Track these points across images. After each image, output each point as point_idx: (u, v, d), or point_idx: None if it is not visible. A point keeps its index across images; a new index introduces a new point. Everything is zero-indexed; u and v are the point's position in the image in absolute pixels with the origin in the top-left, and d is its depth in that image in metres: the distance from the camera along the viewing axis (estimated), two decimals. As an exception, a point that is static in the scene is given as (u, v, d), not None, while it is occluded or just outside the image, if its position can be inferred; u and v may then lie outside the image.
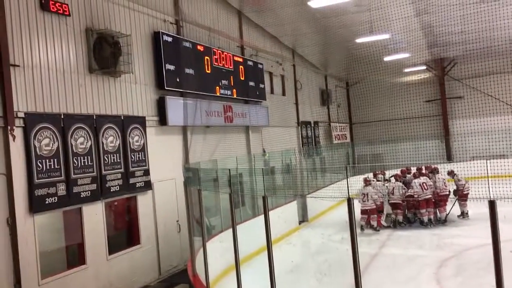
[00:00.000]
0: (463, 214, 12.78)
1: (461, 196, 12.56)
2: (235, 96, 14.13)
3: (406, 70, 23.23)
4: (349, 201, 3.73)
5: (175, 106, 11.45)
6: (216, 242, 9.18)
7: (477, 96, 22.76)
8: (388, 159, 21.04)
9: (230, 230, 9.92)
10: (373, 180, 13.26)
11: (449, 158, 22.61)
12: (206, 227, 9.30)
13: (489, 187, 3.04)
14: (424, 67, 23.38)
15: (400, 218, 12.58)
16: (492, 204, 2.65)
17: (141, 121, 10.52)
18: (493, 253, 2.73)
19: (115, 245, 9.68)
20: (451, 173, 13.23)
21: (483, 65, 21.76)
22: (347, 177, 4.09)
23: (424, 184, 12.36)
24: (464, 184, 12.62)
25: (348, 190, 3.98)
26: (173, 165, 11.29)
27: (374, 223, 12.41)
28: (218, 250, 9.18)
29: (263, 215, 11.64)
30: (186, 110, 11.63)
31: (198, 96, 12.42)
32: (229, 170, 5.43)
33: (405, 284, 8.15)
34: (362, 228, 12.31)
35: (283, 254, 10.59)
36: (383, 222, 12.57)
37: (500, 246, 2.73)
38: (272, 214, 11.61)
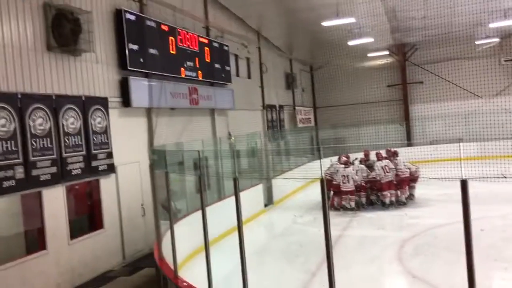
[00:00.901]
0: (410, 196, 13.19)
1: (413, 179, 13.02)
2: (200, 78, 13.89)
3: (370, 55, 23.53)
4: (322, 182, 3.70)
5: (139, 87, 11.15)
6: (183, 225, 9.06)
7: (436, 81, 23.37)
8: (350, 143, 21.36)
9: (196, 213, 9.84)
10: (340, 164, 13.43)
11: (409, 141, 23.15)
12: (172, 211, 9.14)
13: (461, 168, 3.06)
14: (387, 52, 23.74)
15: (364, 200, 12.81)
16: (464, 184, 2.66)
17: (103, 102, 10.18)
18: (464, 232, 2.74)
19: (77, 229, 9.40)
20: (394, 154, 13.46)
21: (442, 51, 22.33)
22: (320, 158, 4.05)
23: (386, 167, 12.62)
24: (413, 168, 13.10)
25: (321, 170, 3.94)
26: (138, 148, 11.03)
27: (353, 204, 12.64)
28: (184, 233, 9.06)
29: (229, 198, 11.64)
30: (151, 91, 11.35)
31: (162, 78, 12.13)
32: (199, 152, 5.31)
33: (368, 264, 8.29)
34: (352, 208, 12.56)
35: (250, 237, 10.57)
36: (346, 204, 12.75)
37: (471, 226, 2.75)
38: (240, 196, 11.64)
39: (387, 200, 12.54)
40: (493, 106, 21.11)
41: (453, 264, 7.91)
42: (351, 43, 19.42)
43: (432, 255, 8.50)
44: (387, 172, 12.50)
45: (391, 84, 24.76)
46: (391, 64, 24.51)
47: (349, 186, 12.53)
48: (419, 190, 13.39)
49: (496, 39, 21.27)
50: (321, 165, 3.81)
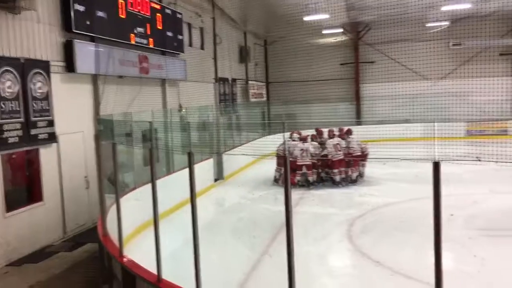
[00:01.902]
0: (361, 174, 13.39)
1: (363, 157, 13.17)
2: (151, 46, 13.26)
3: (324, 31, 23.43)
4: (285, 159, 3.46)
5: (85, 52, 10.44)
6: (129, 199, 8.67)
7: (387, 62, 23.65)
8: (302, 120, 21.36)
9: (144, 187, 9.44)
10: (289, 140, 13.33)
11: (359, 121, 23.49)
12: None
13: (435, 149, 2.91)
14: (341, 30, 23.72)
15: (314, 177, 12.82)
16: (436, 165, 2.50)
17: (44, 66, 9.46)
18: (433, 214, 2.60)
19: (13, 201, 8.79)
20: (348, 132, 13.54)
21: (394, 32, 22.51)
22: (283, 132, 3.83)
23: (338, 145, 12.66)
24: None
25: (286, 149, 3.71)
26: (82, 117, 10.41)
27: (310, 178, 12.60)
28: (131, 208, 8.68)
29: (178, 173, 11.28)
30: (98, 57, 10.67)
31: (111, 43, 11.44)
32: (150, 123, 4.94)
33: (318, 242, 8.28)
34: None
35: (199, 212, 10.31)
36: (302, 180, 12.69)
37: (441, 209, 2.61)
38: (186, 171, 11.29)
39: (337, 178, 12.61)
40: (440, 88, 21.70)
41: (401, 243, 8.05)
42: (306, 18, 19.20)
43: (381, 234, 8.59)
44: (339, 150, 12.54)
45: (343, 63, 24.88)
46: (345, 43, 24.57)
47: (307, 160, 12.48)
48: (367, 168, 13.55)
49: (446, 23, 21.73)
50: (284, 140, 3.57)
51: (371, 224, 9.29)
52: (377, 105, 23.00)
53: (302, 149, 12.55)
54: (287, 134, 13.71)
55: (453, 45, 22.68)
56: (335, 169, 12.60)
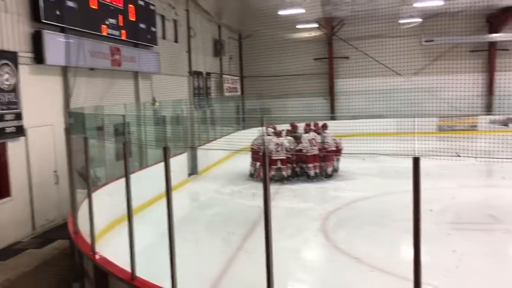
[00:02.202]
0: (336, 169, 13.46)
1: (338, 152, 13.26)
2: (124, 38, 12.96)
3: (299, 26, 23.41)
4: (264, 155, 3.39)
5: (55, 43, 10.11)
6: (101, 195, 8.46)
7: (361, 58, 23.84)
8: (277, 114, 21.34)
9: (116, 182, 9.25)
10: (269, 134, 13.29)
11: (333, 116, 23.63)
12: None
13: (415, 144, 2.89)
14: (315, 25, 23.74)
15: (289, 172, 12.81)
16: (416, 161, 2.47)
17: (12, 57, 9.12)
18: (413, 210, 2.57)
19: (-21, 197, 8.48)
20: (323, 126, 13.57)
21: (368, 28, 22.66)
22: (262, 126, 3.74)
23: (313, 140, 12.67)
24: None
25: (264, 144, 3.64)
26: (51, 110, 10.10)
27: (285, 173, 12.58)
28: (103, 203, 8.47)
29: (151, 167, 11.09)
30: (68, 48, 10.35)
31: (81, 34, 11.11)
32: (124, 116, 4.79)
33: (293, 237, 8.25)
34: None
35: (173, 207, 10.19)
36: (277, 175, 12.64)
37: (420, 205, 2.59)
38: (160, 166, 11.11)
39: (311, 173, 12.64)
40: (413, 84, 22.00)
41: (376, 237, 8.11)
42: (281, 12, 19.14)
43: (355, 228, 8.64)
44: (314, 145, 12.55)
45: (318, 58, 24.95)
46: (319, 38, 24.61)
47: (282, 155, 12.46)
48: (342, 163, 13.61)
49: (419, 20, 22.01)
50: (261, 136, 3.49)
51: (345, 219, 9.34)
52: (351, 100, 23.18)
53: (277, 144, 12.51)
54: (263, 129, 13.66)
55: (425, 41, 23.01)
56: (310, 163, 12.62)
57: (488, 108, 22.60)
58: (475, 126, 22.06)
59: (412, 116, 17.71)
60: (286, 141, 12.76)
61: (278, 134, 12.92)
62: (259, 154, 12.58)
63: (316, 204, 10.80)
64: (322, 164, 12.94)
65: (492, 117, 22.17)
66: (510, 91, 17.92)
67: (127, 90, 13.44)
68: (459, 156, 3.30)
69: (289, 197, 11.21)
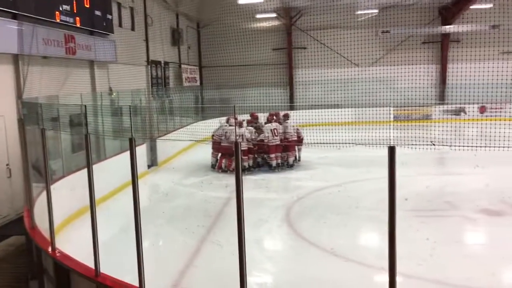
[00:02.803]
0: (297, 159, 13.58)
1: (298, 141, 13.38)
2: (78, 25, 12.45)
3: (258, 16, 23.32)
4: (236, 145, 3.33)
5: (5, 30, 9.58)
6: (59, 188, 8.14)
7: (319, 48, 24.05)
8: (236, 104, 21.23)
9: (73, 175, 8.95)
10: (226, 125, 13.20)
11: (292, 106, 23.76)
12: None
13: (390, 133, 2.89)
14: (274, 15, 23.72)
15: (250, 162, 12.78)
16: (391, 150, 2.47)
17: (-42, 45, 8.59)
18: (388, 200, 2.58)
19: None
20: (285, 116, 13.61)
21: (326, 18, 22.87)
22: (234, 115, 3.66)
23: (275, 130, 12.67)
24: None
25: (235, 135, 3.56)
26: (2, 100, 9.59)
27: (247, 164, 12.54)
28: (60, 197, 8.17)
29: (110, 160, 10.79)
30: (20, 35, 9.84)
31: (34, 21, 10.58)
32: (85, 106, 4.59)
33: (257, 227, 8.23)
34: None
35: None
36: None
37: (395, 194, 2.60)
38: (118, 158, 10.81)
39: (273, 163, 12.66)
40: (369, 74, 22.44)
41: (340, 226, 8.23)
42: (240, 1, 18.97)
43: (319, 217, 8.72)
44: (275, 135, 12.56)
45: (277, 48, 24.97)
46: (278, 28, 24.63)
47: (243, 146, 12.37)
48: (303, 153, 13.71)
49: (375, 11, 22.39)
50: (236, 126, 3.41)
51: (308, 208, 9.42)
52: (309, 90, 23.37)
53: (237, 135, 12.44)
54: (223, 119, 13.57)
55: (382, 32, 23.45)
56: (272, 154, 12.63)
57: (441, 98, 23.36)
58: (429, 115, 22.78)
59: (369, 106, 18.06)
60: (247, 131, 12.70)
61: (239, 124, 12.84)
62: (220, 145, 12.51)
63: (279, 194, 10.85)
64: (284, 154, 12.99)
65: (445, 106, 22.95)
66: (461, 81, 18.54)
67: (83, 80, 12.97)
68: (434, 144, 3.34)
69: (251, 188, 11.18)
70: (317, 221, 8.49)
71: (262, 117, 13.62)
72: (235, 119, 13.14)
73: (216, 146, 13.21)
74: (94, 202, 4.45)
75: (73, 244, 6.81)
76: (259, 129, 13.00)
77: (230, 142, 12.25)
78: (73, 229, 8.34)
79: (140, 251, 4.05)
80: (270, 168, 12.69)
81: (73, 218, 8.77)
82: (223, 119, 13.54)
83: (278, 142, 12.59)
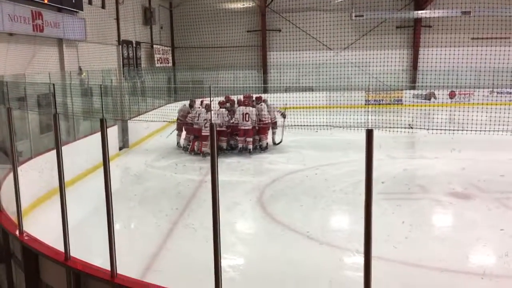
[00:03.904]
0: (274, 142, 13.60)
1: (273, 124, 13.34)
2: (46, 1, 12.00)
3: (232, -4, 23.02)
4: (212, 127, 3.25)
5: (-33, 4, 9.16)
6: (26, 170, 7.91)
7: (293, 31, 23.95)
8: (211, 85, 20.99)
9: (41, 156, 8.71)
10: (199, 107, 13.04)
11: (265, 88, 23.68)
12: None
13: (368, 116, 2.87)
14: (248, -4, 23.46)
15: (224, 145, 12.68)
16: (369, 133, 2.45)
17: None
18: (365, 183, 2.57)
19: None
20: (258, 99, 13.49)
21: (300, 1, 22.80)
22: (210, 96, 3.57)
23: (246, 114, 12.43)
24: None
25: (203, 119, 3.47)
26: (-35, 78, 9.19)
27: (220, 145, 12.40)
28: (28, 179, 7.94)
29: (80, 141, 10.53)
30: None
31: (-2, -4, 10.14)
32: (53, 85, 4.41)
33: (230, 210, 8.20)
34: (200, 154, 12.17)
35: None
36: (207, 150, 12.46)
37: (372, 177, 2.59)
38: (90, 139, 10.57)
39: (240, 146, 12.54)
40: (342, 58, 22.50)
41: (313, 208, 8.27)
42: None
43: (292, 200, 8.75)
44: (247, 120, 12.34)
45: (250, 30, 24.74)
46: (252, 9, 24.37)
47: (248, 124, 12.27)
48: (276, 136, 13.63)
49: (350, -6, 22.38)
50: (203, 108, 3.32)
51: (282, 191, 9.43)
52: (283, 73, 23.34)
53: (205, 119, 12.24)
54: (198, 102, 13.37)
55: (355, 16, 23.48)
56: (240, 137, 12.49)
57: (412, 83, 23.67)
58: (400, 100, 23.08)
59: (342, 89, 18.16)
60: (218, 114, 12.49)
61: (206, 107, 12.62)
62: (193, 127, 12.32)
63: (252, 177, 10.82)
64: (257, 137, 12.93)
65: (415, 91, 23.28)
66: (432, 66, 18.83)
67: (51, 58, 12.55)
68: (412, 127, 3.34)
69: (224, 170, 11.11)
70: (292, 204, 8.51)
71: (236, 99, 13.48)
72: (210, 101, 12.94)
73: (187, 128, 13.06)
74: (63, 183, 4.31)
75: (42, 227, 6.65)
76: (232, 111, 12.84)
77: (200, 125, 12.09)
78: (41, 212, 8.15)
79: (112, 233, 3.96)
80: (243, 151, 12.59)
81: (42, 200, 8.56)
82: (189, 102, 13.42)
83: (250, 126, 12.40)
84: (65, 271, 4.44)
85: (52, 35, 12.48)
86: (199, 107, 12.97)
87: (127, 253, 6.26)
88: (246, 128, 12.33)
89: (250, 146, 12.54)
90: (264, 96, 14.21)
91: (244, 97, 13.22)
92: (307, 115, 14.26)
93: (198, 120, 12.44)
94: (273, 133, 13.54)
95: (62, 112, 9.72)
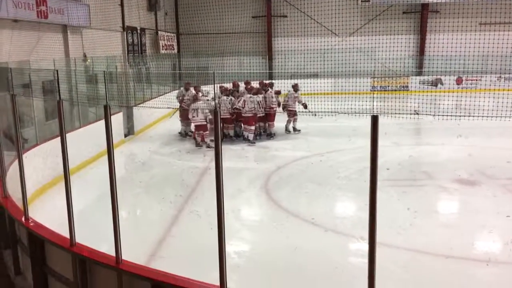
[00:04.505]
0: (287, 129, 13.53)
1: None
2: (49, -12, 11.95)
3: (237, -18, 22.78)
4: (215, 113, 3.23)
5: (-30, -9, 9.13)
6: (32, 157, 7.94)
7: (299, 16, 23.72)
8: (215, 71, 20.91)
9: (47, 143, 8.73)
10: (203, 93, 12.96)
11: (271, 74, 23.55)
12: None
13: (374, 103, 2.83)
14: (254, -19, 23.22)
15: (231, 132, 12.62)
16: (374, 119, 2.42)
17: None
18: (370, 168, 2.55)
19: None
20: (277, 92, 13.41)
21: (306, -14, 22.54)
22: (214, 82, 3.54)
23: (244, 101, 12.07)
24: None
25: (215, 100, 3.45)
26: (-30, 65, 9.19)
27: (227, 132, 12.40)
28: (34, 166, 7.99)
29: (84, 128, 10.54)
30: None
31: (2, -18, 10.09)
32: (57, 72, 4.39)
33: (234, 196, 8.20)
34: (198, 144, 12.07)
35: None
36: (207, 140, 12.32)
37: (377, 163, 2.57)
38: (94, 126, 10.57)
39: (250, 134, 12.43)
40: (348, 44, 22.31)
41: (319, 195, 8.26)
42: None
43: (297, 187, 8.74)
44: (250, 108, 12.10)
45: (256, 16, 24.55)
46: (257, -5, 24.18)
47: (198, 120, 11.89)
48: (279, 123, 13.50)
49: (356, -21, 22.11)
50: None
51: (287, 178, 9.41)
52: (288, 60, 23.18)
53: (192, 109, 11.88)
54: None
55: (362, 1, 23.24)
56: (250, 124, 12.40)
57: (419, 69, 23.46)
58: (406, 86, 22.91)
59: (348, 76, 18.02)
60: (205, 105, 11.93)
61: (195, 98, 12.21)
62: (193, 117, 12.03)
63: (257, 164, 10.79)
64: (262, 124, 12.86)
65: (422, 77, 23.07)
66: (439, 52, 18.61)
67: (56, 45, 12.53)
68: (418, 113, 3.31)
69: (229, 157, 11.11)
70: (297, 191, 8.51)
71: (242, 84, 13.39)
72: (214, 88, 12.84)
73: (184, 114, 12.91)
74: (68, 169, 4.31)
75: (48, 214, 6.69)
76: (237, 96, 12.63)
77: (204, 115, 11.76)
78: (48, 198, 8.20)
79: (116, 220, 3.97)
80: (247, 139, 12.51)
81: (48, 187, 8.61)
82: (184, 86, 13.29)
83: (252, 114, 12.19)
84: (71, 257, 4.46)
85: (56, 22, 12.44)
86: (207, 95, 12.86)
87: (132, 240, 6.29)
88: (252, 115, 12.21)
89: (251, 135, 12.37)
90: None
91: (245, 82, 13.06)
92: (314, 101, 14.24)
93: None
94: (294, 120, 13.50)
95: (67, 99, 9.75)
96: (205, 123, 11.88)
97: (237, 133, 12.86)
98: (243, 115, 12.23)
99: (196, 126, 12.14)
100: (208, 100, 12.41)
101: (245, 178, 9.49)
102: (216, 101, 11.99)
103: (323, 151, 11.24)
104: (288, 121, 13.51)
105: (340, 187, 8.71)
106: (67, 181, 4.31)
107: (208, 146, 11.79)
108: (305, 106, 12.87)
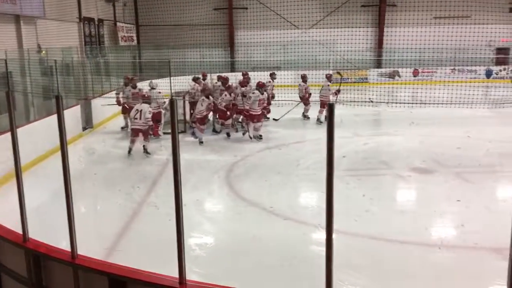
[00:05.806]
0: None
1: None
2: (0, -24, 11.50)
3: (198, -27, 22.54)
4: (172, 103, 3.20)
5: None
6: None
7: (260, 9, 23.70)
8: (175, 66, 20.69)
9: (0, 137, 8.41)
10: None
11: (233, 67, 23.51)
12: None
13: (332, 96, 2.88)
14: (215, -28, 23.03)
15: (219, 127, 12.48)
16: (330, 107, 2.48)
17: None
18: (326, 156, 2.60)
19: None
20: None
21: (267, -21, 22.57)
22: (169, 71, 3.50)
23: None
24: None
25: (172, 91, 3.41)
26: None
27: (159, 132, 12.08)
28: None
29: (37, 122, 10.22)
30: None
31: None
32: (6, 61, 4.23)
33: (197, 189, 8.18)
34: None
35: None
36: (160, 132, 12.12)
37: (333, 151, 2.62)
38: (50, 120, 10.24)
39: (217, 127, 12.38)
40: (309, 37, 22.52)
41: (280, 186, 8.33)
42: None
43: (259, 178, 8.80)
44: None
45: (217, 8, 24.40)
46: (218, -14, 24.01)
47: (137, 123, 10.50)
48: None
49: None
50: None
51: (249, 169, 9.45)
52: (250, 52, 23.17)
53: (136, 110, 10.63)
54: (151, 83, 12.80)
55: (322, -6, 23.47)
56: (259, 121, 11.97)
57: (378, 61, 23.94)
58: (366, 78, 23.35)
59: (309, 68, 18.20)
60: (149, 108, 10.67)
61: (143, 98, 11.02)
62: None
63: (220, 156, 10.73)
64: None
65: (380, 69, 23.56)
66: (397, 45, 19.05)
67: (8, 36, 12.08)
68: (372, 101, 3.38)
69: (190, 150, 11.05)
70: (258, 181, 8.56)
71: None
72: (170, 79, 12.61)
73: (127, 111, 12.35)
74: (19, 164, 4.19)
75: (1, 211, 6.47)
76: (230, 90, 12.32)
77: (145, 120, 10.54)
78: (1, 195, 7.93)
79: (71, 214, 3.88)
80: (214, 131, 12.44)
81: (1, 183, 8.33)
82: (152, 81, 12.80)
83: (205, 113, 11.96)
84: (24, 253, 4.34)
85: (8, 11, 12.00)
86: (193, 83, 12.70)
87: (89, 234, 6.18)
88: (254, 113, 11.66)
89: (218, 126, 12.35)
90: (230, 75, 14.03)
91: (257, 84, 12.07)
92: (277, 93, 14.33)
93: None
94: (306, 111, 13.95)
95: (20, 91, 9.45)
96: (143, 128, 10.54)
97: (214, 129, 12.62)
98: (251, 113, 11.63)
99: (132, 129, 10.77)
100: (159, 92, 12.17)
101: (207, 170, 9.44)
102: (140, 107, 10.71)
103: (283, 142, 11.39)
104: (320, 112, 13.29)
105: (300, 176, 8.85)
106: (19, 175, 4.19)
107: (145, 151, 10.65)
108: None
